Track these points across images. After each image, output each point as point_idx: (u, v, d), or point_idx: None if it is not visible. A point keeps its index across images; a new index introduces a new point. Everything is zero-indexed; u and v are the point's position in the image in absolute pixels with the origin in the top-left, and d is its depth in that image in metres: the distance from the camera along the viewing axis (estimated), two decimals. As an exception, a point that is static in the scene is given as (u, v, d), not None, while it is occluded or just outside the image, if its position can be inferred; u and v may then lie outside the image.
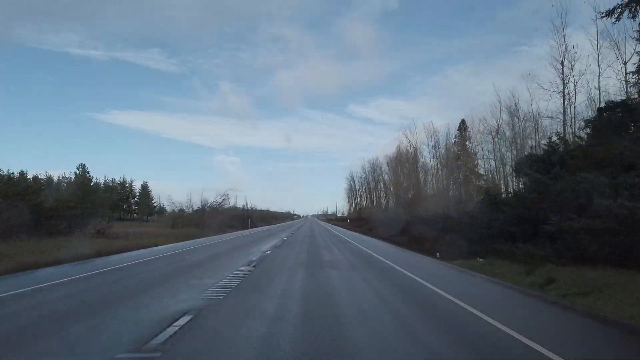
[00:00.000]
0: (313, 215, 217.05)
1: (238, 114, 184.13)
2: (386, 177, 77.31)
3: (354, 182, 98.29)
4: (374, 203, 79.76)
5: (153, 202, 71.03)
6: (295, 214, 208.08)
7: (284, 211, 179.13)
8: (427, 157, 60.35)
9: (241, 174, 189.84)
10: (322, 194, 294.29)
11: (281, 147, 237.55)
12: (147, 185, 69.18)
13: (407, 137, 57.27)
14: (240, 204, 67.04)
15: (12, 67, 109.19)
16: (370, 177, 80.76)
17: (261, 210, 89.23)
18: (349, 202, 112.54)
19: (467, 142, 62.66)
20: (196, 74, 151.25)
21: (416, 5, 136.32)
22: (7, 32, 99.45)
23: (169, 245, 23.82)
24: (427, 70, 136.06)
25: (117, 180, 70.63)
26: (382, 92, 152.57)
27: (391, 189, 66.99)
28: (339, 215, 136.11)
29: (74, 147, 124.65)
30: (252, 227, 47.26)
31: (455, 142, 64.66)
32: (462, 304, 7.24)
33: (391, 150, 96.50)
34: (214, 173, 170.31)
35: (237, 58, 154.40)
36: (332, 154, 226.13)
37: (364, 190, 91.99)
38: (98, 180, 73.75)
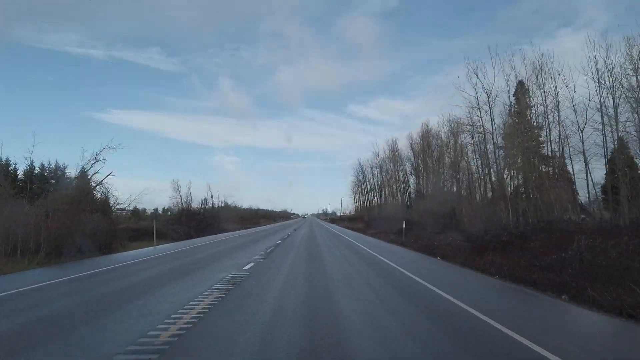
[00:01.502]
0: (312, 215, 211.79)
1: (238, 114, 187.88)
2: (406, 164, 59.78)
3: (363, 174, 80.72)
4: (389, 198, 61.98)
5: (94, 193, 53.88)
6: (293, 213, 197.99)
7: (279, 210, 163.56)
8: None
9: (241, 174, 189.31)
10: (322, 193, 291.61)
11: (281, 146, 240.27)
12: (86, 173, 51.78)
13: (474, 73, 36.76)
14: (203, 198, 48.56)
15: (11, 67, 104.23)
16: (388, 164, 63.05)
17: (243, 208, 71.51)
18: (355, 198, 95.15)
19: (528, 112, 45.08)
20: (196, 73, 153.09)
21: (416, 4, 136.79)
22: (7, 31, 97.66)
23: None
24: (427, 70, 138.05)
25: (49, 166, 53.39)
26: (382, 91, 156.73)
27: (428, 175, 49.51)
28: (340, 214, 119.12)
29: (73, 146, 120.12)
30: (206, 235, 29.46)
31: (510, 111, 46.67)
32: None
33: (415, 130, 79.32)
34: (213, 173, 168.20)
35: (237, 58, 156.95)
36: (332, 153, 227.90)
37: (376, 183, 74.34)
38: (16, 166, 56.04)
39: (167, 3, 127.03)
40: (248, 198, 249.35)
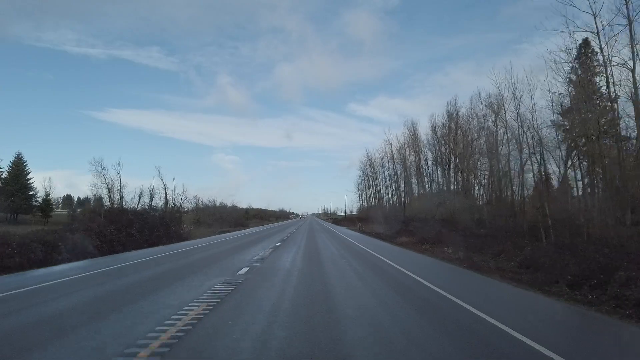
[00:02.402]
0: (312, 214, 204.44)
1: (237, 112, 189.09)
2: (428, 153, 49.22)
3: (372, 168, 70.25)
4: (409, 193, 51.43)
5: (31, 187, 43.21)
6: (292, 213, 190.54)
7: (276, 209, 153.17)
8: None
9: (240, 173, 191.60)
10: (322, 193, 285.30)
11: (281, 145, 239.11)
12: (22, 160, 41.57)
13: None
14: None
15: (10, 65, 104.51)
16: (407, 152, 52.39)
17: (224, 207, 59.54)
18: (360, 196, 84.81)
19: (598, 80, 35.25)
20: (195, 71, 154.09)
21: (417, 2, 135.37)
22: (5, 29, 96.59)
23: None
24: (427, 69, 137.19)
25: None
26: (382, 90, 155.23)
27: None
28: (344, 213, 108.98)
29: (71, 145, 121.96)
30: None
31: (569, 78, 36.63)
32: None
33: (438, 111, 69.96)
34: (212, 172, 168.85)
35: (237, 56, 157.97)
36: (332, 152, 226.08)
37: (387, 177, 63.93)
38: None
39: (166, 1, 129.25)
40: (247, 198, 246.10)
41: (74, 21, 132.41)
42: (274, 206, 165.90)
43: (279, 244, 23.08)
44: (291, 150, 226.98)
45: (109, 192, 25.96)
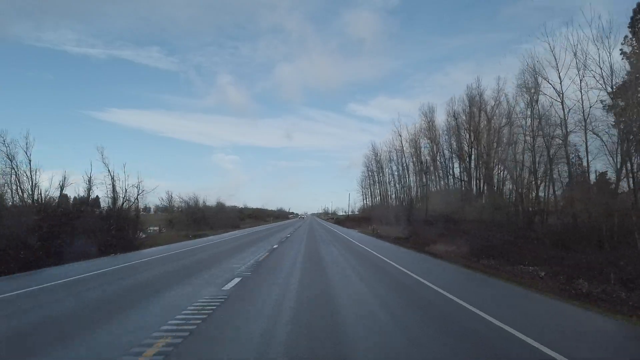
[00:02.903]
0: (312, 214, 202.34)
1: (238, 112, 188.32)
2: (444, 145, 43.43)
3: (378, 164, 64.53)
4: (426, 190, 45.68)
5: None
6: (291, 212, 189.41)
7: (275, 209, 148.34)
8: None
9: (240, 173, 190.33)
10: (322, 193, 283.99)
11: (280, 145, 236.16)
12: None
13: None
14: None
15: (10, 65, 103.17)
16: (422, 142, 46.59)
17: (211, 206, 52.09)
18: (364, 194, 79.20)
19: None
20: (195, 71, 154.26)
21: (417, 2, 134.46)
22: (5, 29, 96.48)
23: None
24: (427, 69, 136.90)
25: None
26: (382, 90, 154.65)
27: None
28: (348, 213, 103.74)
29: (71, 145, 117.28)
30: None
31: (621, 50, 31.60)
32: None
33: (457, 94, 63.73)
34: (212, 171, 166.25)
35: (237, 56, 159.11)
36: (331, 152, 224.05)
37: (395, 172, 58.24)
38: None
39: (166, 1, 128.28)
40: (247, 197, 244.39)
41: (74, 21, 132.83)
42: (272, 206, 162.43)
43: (244, 275, 11.20)
44: (291, 150, 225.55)
45: (17, 182, 19.54)
